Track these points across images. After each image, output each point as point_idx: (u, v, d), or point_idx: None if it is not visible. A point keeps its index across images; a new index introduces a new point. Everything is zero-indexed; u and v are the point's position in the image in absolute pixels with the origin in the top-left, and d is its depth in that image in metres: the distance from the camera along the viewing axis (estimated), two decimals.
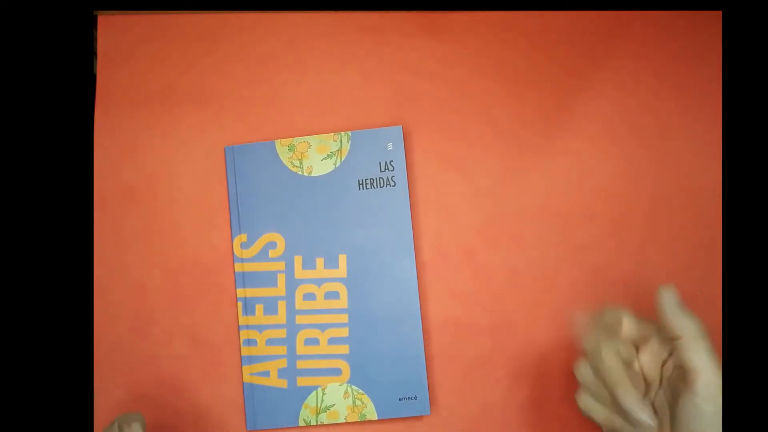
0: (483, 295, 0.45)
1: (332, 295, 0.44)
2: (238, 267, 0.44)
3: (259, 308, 0.44)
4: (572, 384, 0.45)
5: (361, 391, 0.43)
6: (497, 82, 0.47)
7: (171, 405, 0.44)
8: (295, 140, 0.45)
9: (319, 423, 0.43)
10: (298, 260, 0.44)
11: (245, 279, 0.44)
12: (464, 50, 0.47)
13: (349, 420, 0.43)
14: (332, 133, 0.45)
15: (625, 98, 0.47)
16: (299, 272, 0.44)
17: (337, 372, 0.43)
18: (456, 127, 0.47)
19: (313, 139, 0.45)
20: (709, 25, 0.48)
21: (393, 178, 0.44)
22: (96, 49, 0.47)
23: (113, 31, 0.47)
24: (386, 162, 0.44)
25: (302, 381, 0.43)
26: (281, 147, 0.45)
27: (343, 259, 0.44)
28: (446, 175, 0.46)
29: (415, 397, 0.43)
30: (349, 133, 0.45)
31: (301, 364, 0.43)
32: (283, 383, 0.43)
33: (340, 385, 0.43)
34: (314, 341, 0.43)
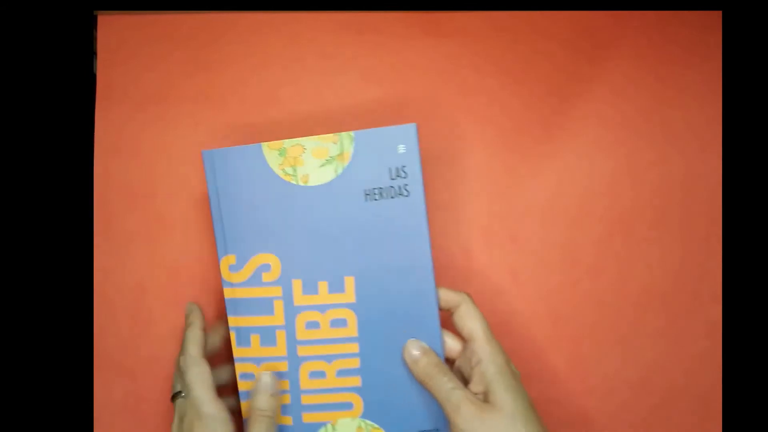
0: (483, 295, 0.45)
1: (339, 323, 0.38)
2: (228, 293, 0.39)
3: (254, 339, 0.39)
4: (572, 383, 0.45)
5: (376, 425, 0.39)
6: (498, 82, 0.47)
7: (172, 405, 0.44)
8: (286, 143, 0.38)
9: None
10: (296, 284, 0.38)
11: (237, 306, 0.38)
12: (464, 50, 0.47)
13: None
14: (331, 134, 0.38)
15: (625, 98, 0.47)
16: (299, 298, 0.38)
17: (348, 406, 0.39)
18: (456, 127, 0.47)
19: (307, 142, 0.38)
20: (709, 25, 0.48)
21: (406, 187, 0.38)
22: (96, 49, 0.47)
23: (113, 31, 0.47)
24: (398, 168, 0.38)
25: (309, 417, 0.39)
26: (270, 151, 0.38)
27: (350, 282, 0.38)
28: (446, 175, 0.46)
29: (437, 430, 0.39)
30: (352, 134, 0.38)
31: (306, 399, 0.39)
32: (287, 420, 0.39)
33: (353, 419, 0.39)
34: (320, 374, 0.39)
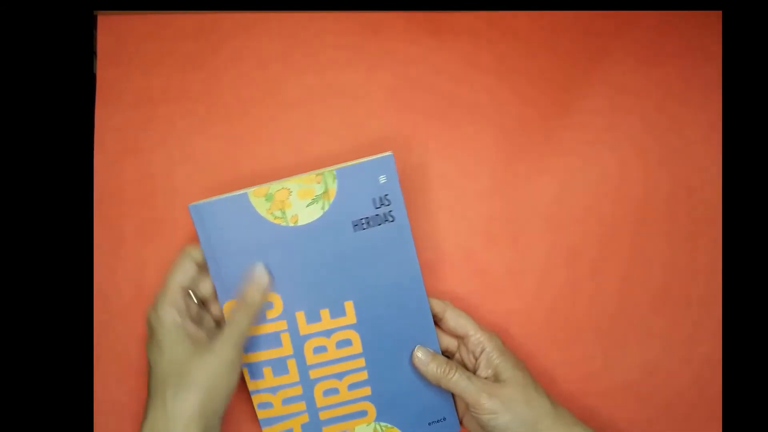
0: (483, 295, 0.45)
1: (344, 343, 0.41)
2: None
3: (267, 371, 0.41)
4: (571, 383, 0.45)
5: (390, 425, 0.42)
6: (498, 82, 0.47)
7: None
8: (272, 188, 0.39)
9: None
10: (300, 316, 0.40)
11: (245, 344, 0.39)
12: (464, 50, 0.47)
13: None
14: (314, 175, 0.39)
15: (626, 99, 0.47)
16: (304, 328, 0.40)
17: (362, 414, 0.42)
18: (457, 127, 0.47)
19: (292, 184, 0.39)
20: (709, 25, 0.48)
21: (391, 213, 0.39)
22: (96, 49, 0.47)
23: (113, 31, 0.47)
24: (381, 197, 0.39)
25: (328, 430, 0.42)
26: (256, 198, 0.39)
27: (349, 306, 0.40)
28: (446, 175, 0.46)
29: (444, 419, 0.42)
30: (334, 172, 0.39)
31: (324, 415, 0.41)
32: None
33: (368, 425, 0.42)
34: (333, 391, 0.41)
